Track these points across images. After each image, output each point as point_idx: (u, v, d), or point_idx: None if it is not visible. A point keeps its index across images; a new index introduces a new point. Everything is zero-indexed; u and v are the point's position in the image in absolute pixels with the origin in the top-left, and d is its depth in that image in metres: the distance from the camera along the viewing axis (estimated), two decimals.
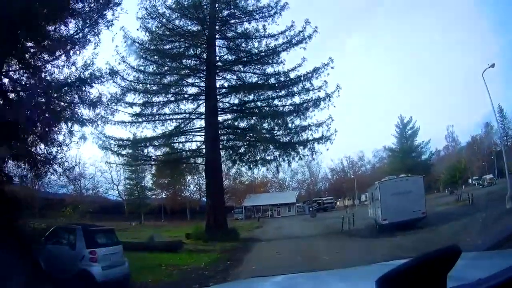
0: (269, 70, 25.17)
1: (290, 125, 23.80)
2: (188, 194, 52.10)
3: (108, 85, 23.76)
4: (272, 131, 24.44)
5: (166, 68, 25.22)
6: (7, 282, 9.47)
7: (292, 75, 24.19)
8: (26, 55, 13.41)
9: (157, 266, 14.22)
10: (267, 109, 24.61)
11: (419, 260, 1.24)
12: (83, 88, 13.71)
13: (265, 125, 24.38)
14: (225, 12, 26.10)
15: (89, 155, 55.36)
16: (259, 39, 25.18)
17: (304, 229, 28.34)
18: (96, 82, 13.98)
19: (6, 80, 13.60)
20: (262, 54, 24.83)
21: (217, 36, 26.03)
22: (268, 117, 23.87)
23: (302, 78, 23.73)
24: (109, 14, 14.91)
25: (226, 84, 26.07)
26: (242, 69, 25.93)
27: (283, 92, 23.94)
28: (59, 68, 13.47)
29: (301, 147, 24.04)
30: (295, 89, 23.74)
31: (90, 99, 14.07)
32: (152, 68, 25.33)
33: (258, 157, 25.07)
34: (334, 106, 22.90)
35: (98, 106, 14.44)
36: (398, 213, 20.03)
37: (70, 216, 21.36)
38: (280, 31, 24.70)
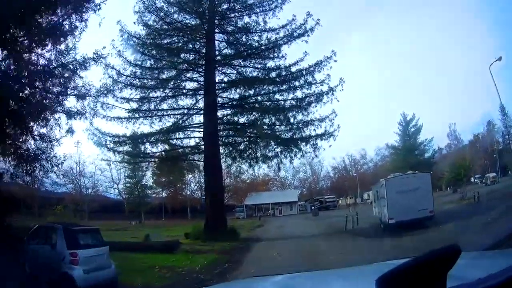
0: (270, 64, 24.02)
1: (292, 120, 22.64)
2: (189, 192, 50.98)
3: (101, 77, 22.95)
4: (273, 126, 23.27)
5: (163, 62, 24.07)
6: None
7: (294, 69, 23.04)
8: (10, 42, 12.27)
9: (150, 268, 13.11)
10: (268, 103, 23.40)
11: (419, 259, 1.21)
12: (66, 75, 12.55)
13: (266, 121, 23.21)
14: (225, 6, 24.97)
15: (88, 154, 54.01)
16: (259, 33, 24.09)
17: (306, 228, 27.17)
18: (80, 68, 12.83)
19: None
20: (263, 47, 23.66)
21: (216, 30, 24.90)
22: (269, 112, 22.67)
23: (304, 72, 22.53)
24: None
25: (225, 79, 24.89)
26: (242, 63, 24.78)
27: (284, 86, 22.73)
28: (44, 56, 12.35)
29: (303, 144, 22.86)
30: (297, 83, 22.58)
31: (75, 87, 12.89)
32: (150, 63, 24.25)
33: (259, 154, 23.91)
34: (338, 100, 21.75)
35: (87, 98, 13.31)
36: (405, 211, 18.87)
37: (61, 214, 20.20)
38: (281, 25, 23.58)
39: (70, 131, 14.41)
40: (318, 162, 66.63)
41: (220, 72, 25.08)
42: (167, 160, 24.13)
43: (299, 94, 22.56)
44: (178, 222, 38.99)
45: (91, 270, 9.65)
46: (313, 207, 53.07)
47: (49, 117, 13.16)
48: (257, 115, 23.21)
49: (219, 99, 23.96)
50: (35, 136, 13.62)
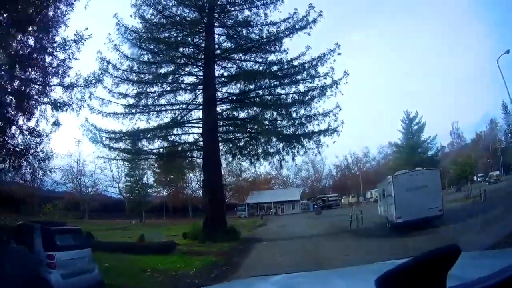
0: (272, 58, 22.78)
1: (294, 115, 21.41)
2: (190, 191, 49.80)
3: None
4: (275, 122, 22.04)
5: (161, 56, 22.91)
6: None
7: (296, 62, 21.80)
8: None
9: (141, 271, 11.98)
10: (269, 98, 22.15)
11: (419, 259, 1.19)
12: (50, 62, 11.43)
13: (267, 116, 21.93)
14: None
15: (88, 152, 53.12)
16: (260, 27, 22.89)
17: (309, 228, 25.97)
18: (60, 50, 11.68)
19: None
20: (264, 40, 22.44)
21: (216, 24, 23.70)
22: (270, 107, 21.45)
23: (306, 65, 21.31)
24: None
25: (225, 74, 23.65)
26: (242, 57, 23.56)
27: (286, 80, 21.46)
28: (25, 42, 11.20)
29: (306, 140, 21.64)
30: (299, 77, 21.34)
31: (60, 75, 11.71)
32: (147, 57, 23.11)
33: (260, 151, 22.69)
34: (342, 94, 20.48)
35: (75, 88, 12.17)
36: (413, 210, 17.67)
37: (50, 213, 19.09)
38: (282, 19, 22.36)
39: (57, 123, 13.39)
40: (321, 161, 65.55)
41: (220, 67, 23.93)
42: (165, 157, 22.93)
43: (301, 87, 21.36)
44: (179, 221, 37.95)
45: (70, 275, 8.55)
46: (315, 206, 51.88)
47: (33, 109, 12.08)
48: (258, 110, 21.99)
49: (219, 94, 22.81)
50: (20, 130, 12.52)
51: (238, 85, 22.96)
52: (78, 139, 41.46)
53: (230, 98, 23.00)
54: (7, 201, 21.52)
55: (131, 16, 22.30)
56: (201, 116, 22.31)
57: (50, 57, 12.13)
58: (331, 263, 10.91)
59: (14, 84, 11.29)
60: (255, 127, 21.96)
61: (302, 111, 21.33)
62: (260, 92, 22.38)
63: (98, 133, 21.31)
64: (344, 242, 16.02)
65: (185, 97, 23.52)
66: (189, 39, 23.67)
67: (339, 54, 21.17)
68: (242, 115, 22.87)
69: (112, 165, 41.28)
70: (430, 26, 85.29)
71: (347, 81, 20.32)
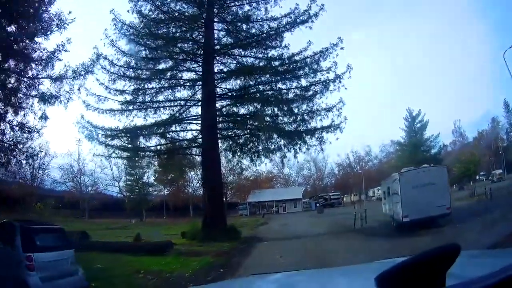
0: (273, 53, 21.84)
1: (296, 110, 20.46)
2: (191, 190, 49.04)
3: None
4: (276, 118, 21.08)
5: (159, 52, 22.01)
6: None
7: (298, 57, 20.85)
8: None
9: (134, 273, 11.14)
10: (270, 93, 21.17)
11: (419, 257, 1.18)
12: (32, 48, 10.57)
13: (268, 112, 20.97)
14: None
15: (88, 151, 52.38)
16: (260, 23, 21.98)
17: (312, 227, 25.10)
18: (41, 34, 10.82)
19: None
20: (264, 35, 21.54)
21: (215, 20, 22.80)
22: (271, 103, 20.51)
23: (308, 60, 20.38)
24: None
25: (225, 70, 22.74)
26: (242, 53, 22.63)
27: (288, 74, 20.47)
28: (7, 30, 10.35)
29: (308, 136, 20.71)
30: (301, 72, 20.39)
31: (47, 62, 10.85)
32: (145, 53, 22.26)
33: (260, 148, 21.78)
34: (346, 88, 19.53)
35: (63, 80, 11.32)
36: (420, 208, 16.76)
37: (40, 212, 18.24)
38: (283, 14, 21.44)
39: (44, 117, 12.56)
40: (323, 159, 64.90)
41: (220, 63, 23.04)
42: (163, 154, 22.05)
43: (303, 82, 20.39)
44: (180, 220, 37.27)
45: (50, 278, 7.74)
46: (317, 204, 50.97)
47: (19, 102, 11.24)
48: (258, 106, 21.03)
49: (218, 89, 21.89)
50: (8, 124, 11.70)
51: (238, 81, 22.09)
52: (79, 139, 40.86)
53: (229, 94, 22.09)
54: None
55: (128, 11, 21.51)
56: (200, 113, 21.41)
57: (37, 47, 11.38)
58: (336, 265, 10.02)
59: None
60: (256, 123, 21.04)
61: (304, 107, 20.42)
62: (261, 87, 21.46)
63: (94, 130, 20.52)
64: (348, 242, 15.08)
65: (183, 93, 22.66)
66: (188, 34, 22.82)
67: (342, 48, 20.28)
68: (242, 111, 21.96)
69: (112, 163, 40.66)
70: (431, 25, 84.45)
71: (350, 75, 19.43)
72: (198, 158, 23.65)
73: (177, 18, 22.38)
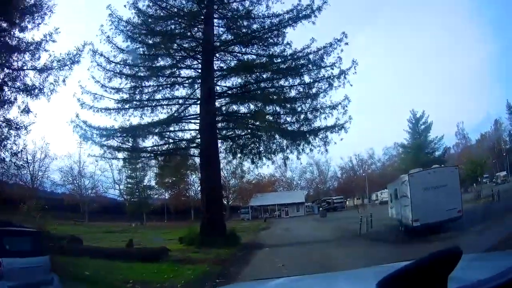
0: (274, 49, 20.68)
1: (299, 109, 19.27)
2: (192, 193, 47.79)
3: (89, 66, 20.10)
4: (278, 117, 19.86)
5: (157, 49, 20.94)
6: None
7: (301, 53, 19.66)
8: None
9: (122, 283, 9.96)
10: (272, 90, 19.94)
11: (420, 262, 1.18)
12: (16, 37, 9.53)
13: (270, 110, 19.73)
14: None
15: (88, 153, 51.30)
16: (262, 19, 20.89)
17: (315, 231, 23.83)
18: (19, 19, 9.78)
19: None
20: (266, 30, 20.43)
21: (215, 16, 21.75)
22: (273, 101, 19.31)
23: (311, 56, 19.22)
24: None
25: (225, 67, 21.54)
26: (243, 50, 21.52)
27: (290, 71, 19.25)
28: None
29: (312, 137, 19.48)
30: (304, 68, 19.19)
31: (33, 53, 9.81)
32: (142, 50, 21.21)
33: (262, 148, 20.56)
34: (351, 85, 18.31)
35: (47, 71, 10.28)
36: (431, 212, 15.56)
37: (25, 213, 17.08)
38: (285, 11, 20.33)
39: (26, 110, 11.56)
40: (325, 162, 63.63)
41: (220, 60, 21.89)
42: (160, 155, 20.87)
43: (306, 79, 19.16)
44: (180, 223, 35.97)
45: (20, 287, 6.57)
46: (320, 208, 49.55)
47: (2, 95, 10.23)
48: (259, 105, 19.82)
49: (218, 88, 20.75)
50: None
51: (239, 79, 20.95)
52: (80, 140, 39.85)
53: (230, 92, 20.91)
54: None
55: (125, 6, 20.51)
56: (198, 112, 20.27)
57: (22, 35, 10.44)
58: None
59: None
60: (257, 123, 19.83)
61: (307, 104, 19.19)
62: (262, 84, 20.23)
63: (89, 129, 19.44)
64: (356, 249, 13.77)
65: (181, 91, 21.52)
66: (187, 31, 21.74)
67: (346, 44, 19.11)
68: (243, 110, 20.76)
69: (112, 166, 39.55)
70: (433, 26, 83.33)
71: (355, 71, 18.21)
72: (197, 160, 22.42)
73: (176, 14, 21.36)
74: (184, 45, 21.70)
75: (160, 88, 21.01)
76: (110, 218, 39.99)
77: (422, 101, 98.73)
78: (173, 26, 21.90)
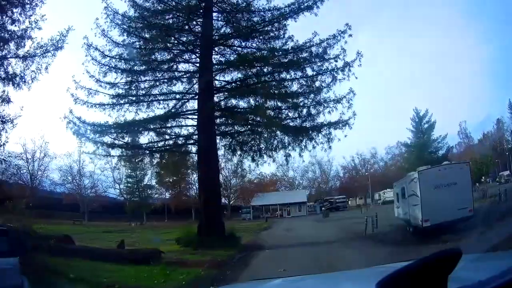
0: (276, 42, 19.54)
1: (301, 103, 18.10)
2: (193, 193, 46.70)
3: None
4: (280, 112, 18.68)
5: (154, 43, 19.90)
6: None
7: (303, 46, 18.49)
8: None
9: None
10: (272, 85, 18.76)
11: (420, 262, 1.16)
12: None
13: (271, 105, 18.55)
14: None
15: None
16: (262, 13, 19.80)
17: (318, 232, 22.63)
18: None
19: None
20: (266, 22, 19.30)
21: (214, 9, 20.67)
22: (274, 96, 18.17)
23: (314, 48, 18.06)
24: None
25: (224, 61, 20.38)
26: (242, 43, 20.39)
27: (292, 64, 18.07)
28: None
29: (315, 133, 18.33)
30: (306, 61, 18.00)
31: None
32: (139, 44, 20.17)
33: (262, 145, 19.40)
34: (356, 78, 17.12)
35: (29, 59, 9.28)
36: (442, 211, 14.40)
37: (5, 212, 16.02)
38: (287, 4, 19.22)
39: (6, 100, 10.58)
40: (328, 162, 62.58)
41: (219, 54, 20.77)
42: (156, 152, 19.75)
43: (309, 71, 17.97)
44: (181, 223, 34.93)
45: None
46: (323, 208, 48.34)
47: None
48: (260, 100, 18.66)
49: (216, 82, 19.62)
50: None
51: (238, 73, 19.81)
52: (79, 139, 38.81)
53: (228, 86, 19.76)
54: None
55: None
56: (196, 107, 19.16)
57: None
58: None
59: None
60: (257, 118, 18.69)
61: (310, 99, 18.02)
62: (263, 78, 19.06)
63: (83, 126, 18.41)
64: (363, 251, 12.54)
65: (179, 86, 20.42)
66: (185, 24, 20.65)
67: (350, 35, 17.93)
68: (242, 104, 19.60)
69: (112, 164, 38.47)
70: (435, 26, 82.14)
71: (360, 63, 17.02)
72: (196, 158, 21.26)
73: (174, 6, 20.30)
74: (182, 39, 20.66)
75: (157, 83, 19.95)
76: (110, 218, 39.08)
77: (424, 100, 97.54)
78: (171, 20, 20.87)
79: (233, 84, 19.58)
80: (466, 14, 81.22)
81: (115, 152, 18.58)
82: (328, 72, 17.09)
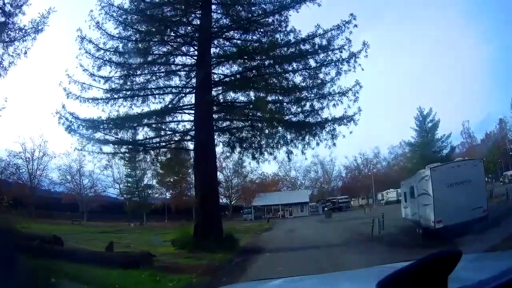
0: (277, 34, 18.33)
1: (304, 97, 16.87)
2: (194, 193, 45.51)
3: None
4: (281, 106, 17.43)
5: (150, 35, 18.77)
6: None
7: (306, 37, 17.29)
8: None
9: None
10: (273, 75, 17.53)
11: (420, 262, 1.15)
12: None
13: (272, 99, 17.34)
14: None
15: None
16: (263, 4, 18.65)
17: (322, 233, 21.41)
18: None
19: None
20: (267, 13, 18.11)
21: (213, 0, 19.54)
22: (275, 89, 16.98)
23: (317, 39, 16.83)
24: None
25: (222, 53, 19.20)
26: (242, 36, 19.22)
27: (294, 56, 16.83)
28: None
29: (319, 129, 17.09)
30: (309, 52, 16.78)
31: None
32: (135, 37, 19.05)
33: (263, 142, 18.17)
34: (363, 69, 15.87)
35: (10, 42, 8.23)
36: (456, 211, 13.21)
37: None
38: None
39: None
40: (330, 161, 61.40)
41: (218, 48, 19.62)
42: (151, 149, 18.56)
43: (312, 63, 16.72)
44: (182, 223, 33.80)
45: None
46: (325, 209, 47.03)
47: None
48: (260, 93, 17.45)
49: (215, 76, 18.44)
50: None
51: (237, 66, 18.63)
52: (79, 139, 37.78)
53: (227, 79, 18.55)
54: None
55: None
56: (193, 102, 17.99)
57: None
58: None
59: None
60: (258, 113, 17.48)
61: (313, 92, 16.78)
62: (263, 71, 17.83)
63: (75, 121, 17.28)
64: (373, 255, 11.24)
65: (176, 80, 19.29)
66: (183, 17, 19.54)
67: (355, 26, 16.69)
68: (242, 98, 18.40)
69: (112, 163, 37.37)
70: (437, 26, 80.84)
71: (367, 54, 15.76)
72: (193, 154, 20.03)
73: None
74: (180, 32, 19.51)
75: (153, 77, 18.82)
76: (110, 218, 37.98)
77: (427, 99, 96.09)
78: (168, 13, 19.75)
79: (232, 77, 18.38)
80: (466, 14, 79.82)
81: (108, 148, 17.37)
82: (333, 64, 15.85)
